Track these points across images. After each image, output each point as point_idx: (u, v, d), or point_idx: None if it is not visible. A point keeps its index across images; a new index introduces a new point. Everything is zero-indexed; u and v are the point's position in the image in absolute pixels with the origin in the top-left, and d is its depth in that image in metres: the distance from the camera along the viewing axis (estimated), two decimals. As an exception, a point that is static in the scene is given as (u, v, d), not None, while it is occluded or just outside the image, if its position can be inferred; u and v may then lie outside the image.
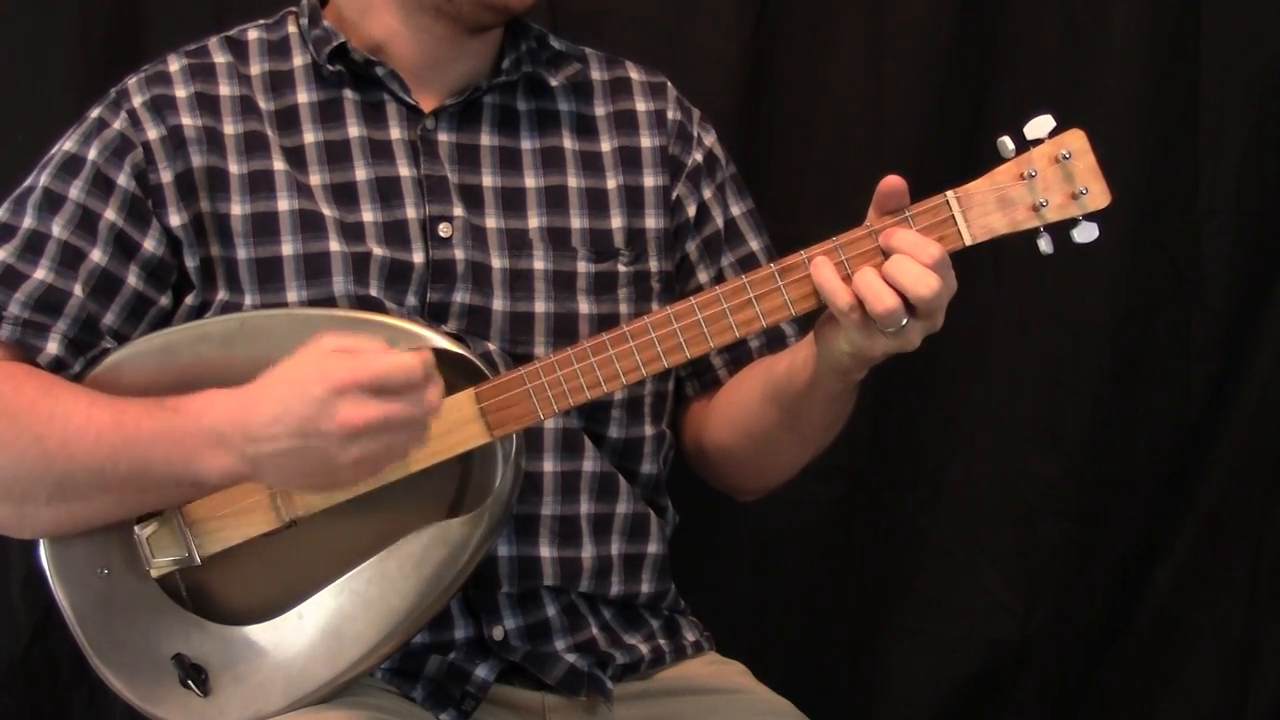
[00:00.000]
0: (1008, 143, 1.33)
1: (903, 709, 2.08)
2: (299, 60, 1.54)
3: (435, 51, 1.53)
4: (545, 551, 1.49)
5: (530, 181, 1.54)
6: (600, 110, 1.59)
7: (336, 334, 1.28)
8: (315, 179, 1.49)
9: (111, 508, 1.38)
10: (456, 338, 1.42)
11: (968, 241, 1.33)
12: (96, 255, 1.45)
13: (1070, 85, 2.01)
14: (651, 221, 1.57)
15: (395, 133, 1.51)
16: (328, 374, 1.25)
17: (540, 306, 1.50)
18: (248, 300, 1.45)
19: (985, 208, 1.33)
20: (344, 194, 1.49)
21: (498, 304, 1.49)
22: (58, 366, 1.42)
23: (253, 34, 1.56)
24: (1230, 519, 2.06)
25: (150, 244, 1.46)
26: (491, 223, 1.51)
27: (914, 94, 2.01)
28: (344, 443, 1.26)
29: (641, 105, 1.61)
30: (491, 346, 1.48)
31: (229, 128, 1.49)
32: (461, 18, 1.50)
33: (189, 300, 1.47)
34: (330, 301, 1.45)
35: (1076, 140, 1.34)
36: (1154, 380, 2.05)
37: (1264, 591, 2.05)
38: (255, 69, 1.53)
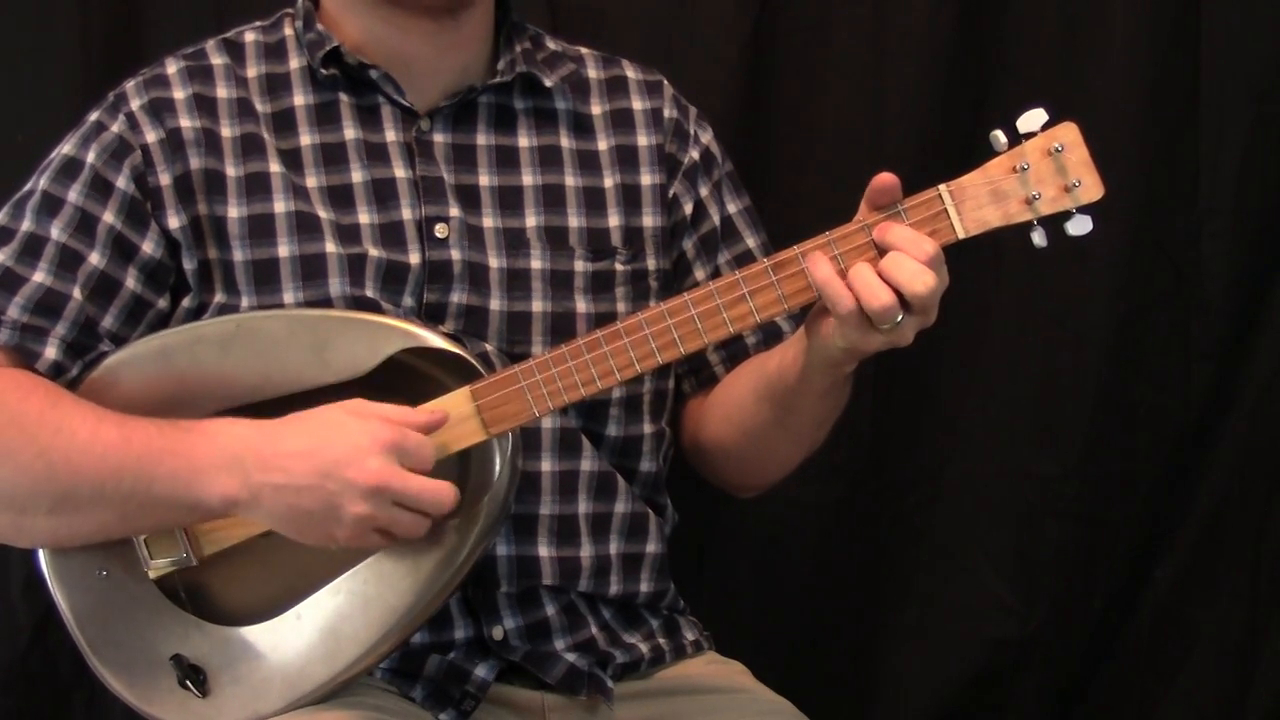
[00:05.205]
0: (1000, 136, 1.33)
1: (903, 709, 2.08)
2: (295, 63, 1.54)
3: (405, 46, 1.51)
4: (544, 551, 1.49)
5: (527, 180, 1.54)
6: (597, 109, 1.59)
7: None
8: (311, 181, 1.49)
9: (110, 524, 1.37)
10: (453, 338, 1.42)
11: (960, 235, 1.33)
12: (95, 258, 1.45)
13: (1070, 84, 2.00)
14: (649, 220, 1.57)
15: (391, 135, 1.51)
16: (376, 434, 1.30)
17: (537, 306, 1.50)
18: (244, 302, 1.45)
19: (978, 201, 1.33)
20: (340, 196, 1.49)
21: (495, 304, 1.49)
22: (56, 371, 1.42)
23: (250, 36, 1.56)
24: (1230, 519, 2.05)
25: (149, 246, 1.46)
26: (488, 222, 1.51)
27: (914, 94, 2.01)
28: (359, 496, 1.29)
29: (638, 104, 1.61)
30: (489, 346, 1.48)
31: (226, 130, 1.49)
32: (401, 1, 1.48)
33: (186, 302, 1.47)
34: (326, 303, 1.45)
35: (1069, 133, 1.34)
36: (1154, 380, 2.04)
37: (1264, 591, 2.05)
38: (252, 71, 1.53)
